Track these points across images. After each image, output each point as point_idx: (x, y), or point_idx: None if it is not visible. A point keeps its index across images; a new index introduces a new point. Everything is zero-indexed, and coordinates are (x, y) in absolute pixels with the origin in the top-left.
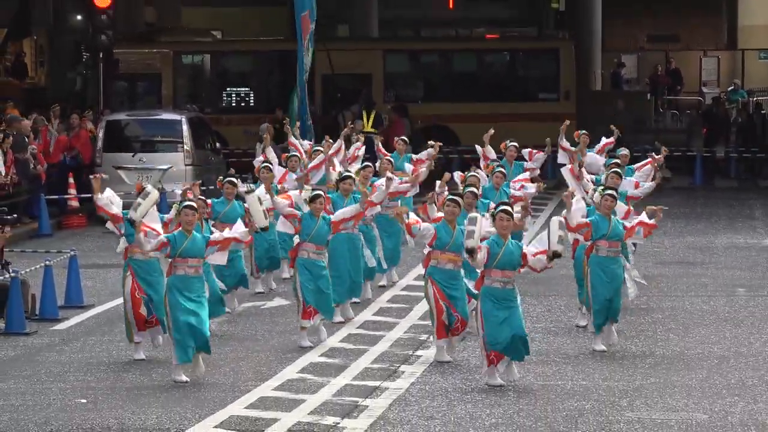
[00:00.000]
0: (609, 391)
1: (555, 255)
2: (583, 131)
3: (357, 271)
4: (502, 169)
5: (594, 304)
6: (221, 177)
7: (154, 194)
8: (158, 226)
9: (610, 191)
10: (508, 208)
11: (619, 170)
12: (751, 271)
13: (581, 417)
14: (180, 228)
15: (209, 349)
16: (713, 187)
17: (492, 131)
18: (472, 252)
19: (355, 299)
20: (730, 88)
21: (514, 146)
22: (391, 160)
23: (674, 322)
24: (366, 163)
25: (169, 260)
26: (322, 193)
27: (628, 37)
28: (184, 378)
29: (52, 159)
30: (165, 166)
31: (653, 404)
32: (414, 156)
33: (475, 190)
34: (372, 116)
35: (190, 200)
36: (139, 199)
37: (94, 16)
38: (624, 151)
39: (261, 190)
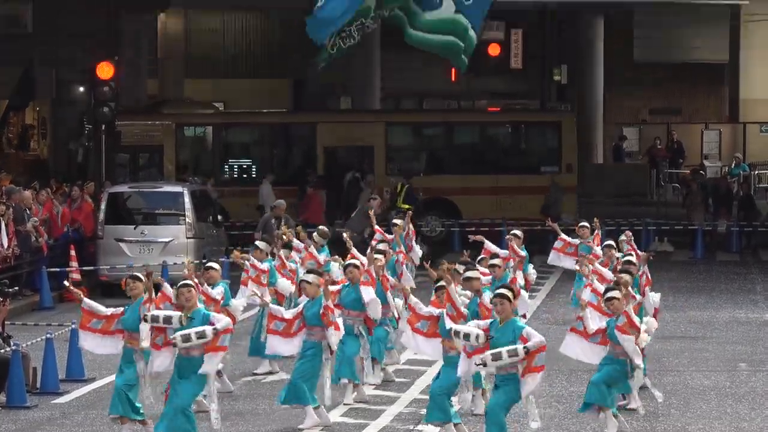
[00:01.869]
0: None
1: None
2: (582, 223)
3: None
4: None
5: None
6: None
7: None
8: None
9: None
10: (504, 291)
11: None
12: (752, 345)
13: None
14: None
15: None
16: (714, 261)
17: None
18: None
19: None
20: (732, 163)
21: (515, 235)
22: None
23: (675, 397)
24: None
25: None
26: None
27: (630, 109)
28: None
29: (57, 232)
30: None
31: None
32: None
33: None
34: (403, 191)
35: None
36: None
37: (96, 88)
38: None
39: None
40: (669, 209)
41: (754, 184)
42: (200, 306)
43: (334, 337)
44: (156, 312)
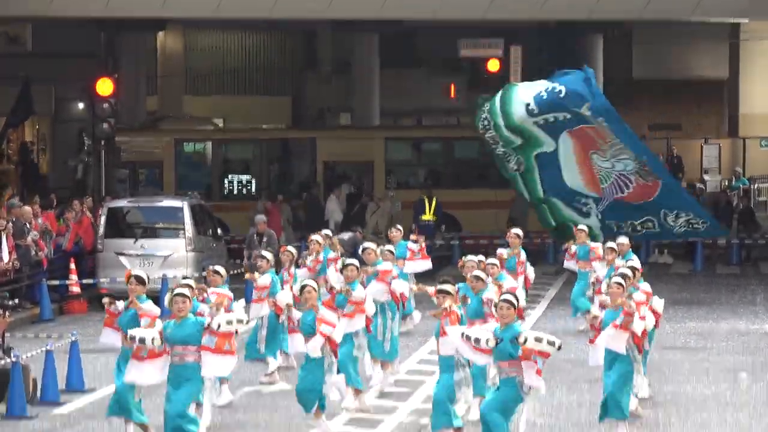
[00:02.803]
0: None
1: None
2: (581, 226)
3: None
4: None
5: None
6: (210, 267)
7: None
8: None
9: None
10: (509, 296)
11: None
12: (752, 356)
13: None
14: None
15: None
16: (714, 274)
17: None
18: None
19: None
20: (732, 177)
21: (516, 234)
22: (392, 250)
23: (676, 407)
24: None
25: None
26: (309, 283)
27: (630, 125)
28: None
29: (68, 246)
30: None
31: None
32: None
33: (479, 273)
34: (433, 204)
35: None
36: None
37: (96, 104)
38: (623, 240)
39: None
40: None
41: (754, 198)
42: (202, 308)
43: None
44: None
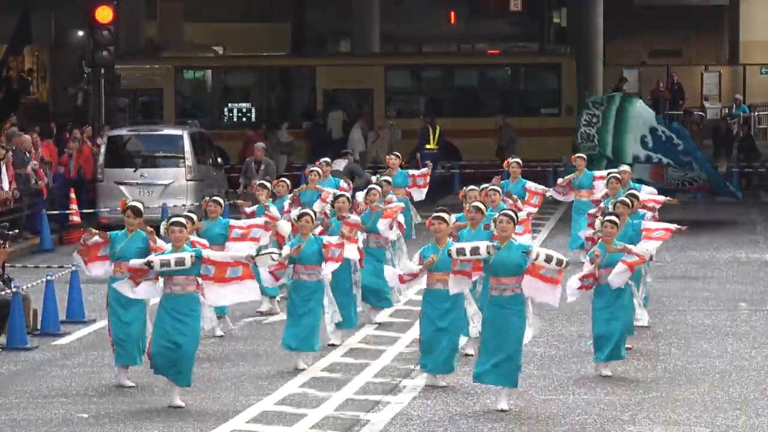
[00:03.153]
0: (611, 406)
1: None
2: (579, 154)
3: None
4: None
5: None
6: (206, 197)
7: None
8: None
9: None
10: (509, 211)
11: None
12: (753, 285)
13: (583, 431)
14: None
15: (178, 380)
16: (715, 202)
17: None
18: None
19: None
20: (732, 104)
21: (517, 162)
22: (389, 180)
23: (676, 337)
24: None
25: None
26: (309, 211)
27: (630, 52)
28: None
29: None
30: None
31: (655, 418)
32: (410, 171)
33: (479, 204)
34: (438, 133)
35: (176, 216)
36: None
37: (95, 31)
38: (625, 168)
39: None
40: None
41: (754, 126)
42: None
43: (327, 269)
44: (165, 256)
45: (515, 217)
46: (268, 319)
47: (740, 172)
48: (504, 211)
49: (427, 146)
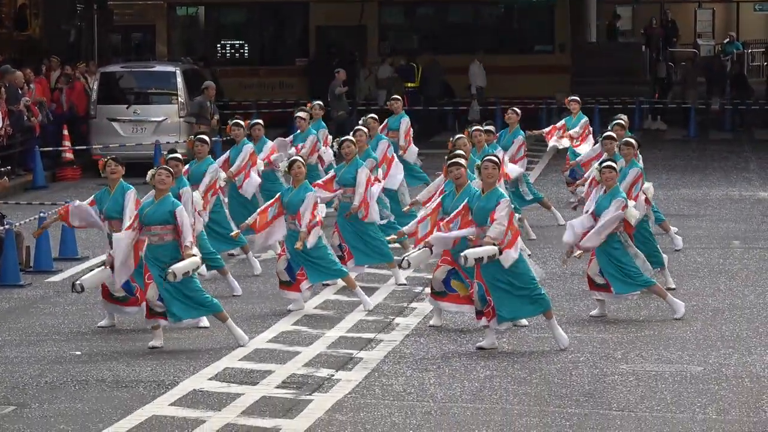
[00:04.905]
0: (603, 344)
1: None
2: (573, 97)
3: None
4: (490, 128)
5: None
6: (191, 136)
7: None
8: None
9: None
10: (494, 157)
11: (621, 122)
12: (745, 223)
13: (576, 369)
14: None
15: (174, 317)
16: (708, 140)
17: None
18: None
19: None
20: (725, 41)
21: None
22: (375, 117)
23: (669, 275)
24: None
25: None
26: (299, 158)
27: None
28: (156, 343)
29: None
30: None
31: (648, 356)
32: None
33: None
34: (419, 71)
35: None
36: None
37: None
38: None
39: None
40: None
41: (747, 63)
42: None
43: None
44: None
45: (499, 162)
46: (260, 257)
47: (733, 109)
48: (488, 157)
49: (408, 84)
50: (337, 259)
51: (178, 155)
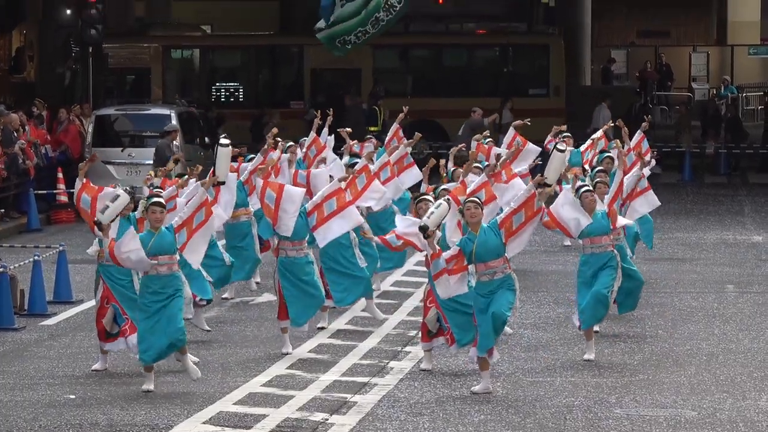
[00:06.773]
0: (598, 388)
1: (544, 185)
2: (566, 134)
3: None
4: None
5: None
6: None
7: (124, 197)
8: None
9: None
10: (476, 198)
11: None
12: (740, 267)
13: (570, 413)
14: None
15: (183, 342)
16: (702, 184)
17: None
18: (425, 230)
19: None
20: (720, 86)
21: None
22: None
23: (663, 319)
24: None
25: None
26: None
27: (618, 32)
28: (149, 386)
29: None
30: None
31: (642, 401)
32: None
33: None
34: (382, 114)
35: (156, 196)
36: (107, 202)
37: (83, 10)
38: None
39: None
40: (657, 131)
41: (741, 107)
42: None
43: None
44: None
45: (481, 203)
46: (255, 300)
47: (728, 153)
48: (470, 199)
49: (372, 128)
50: None
51: (161, 200)
